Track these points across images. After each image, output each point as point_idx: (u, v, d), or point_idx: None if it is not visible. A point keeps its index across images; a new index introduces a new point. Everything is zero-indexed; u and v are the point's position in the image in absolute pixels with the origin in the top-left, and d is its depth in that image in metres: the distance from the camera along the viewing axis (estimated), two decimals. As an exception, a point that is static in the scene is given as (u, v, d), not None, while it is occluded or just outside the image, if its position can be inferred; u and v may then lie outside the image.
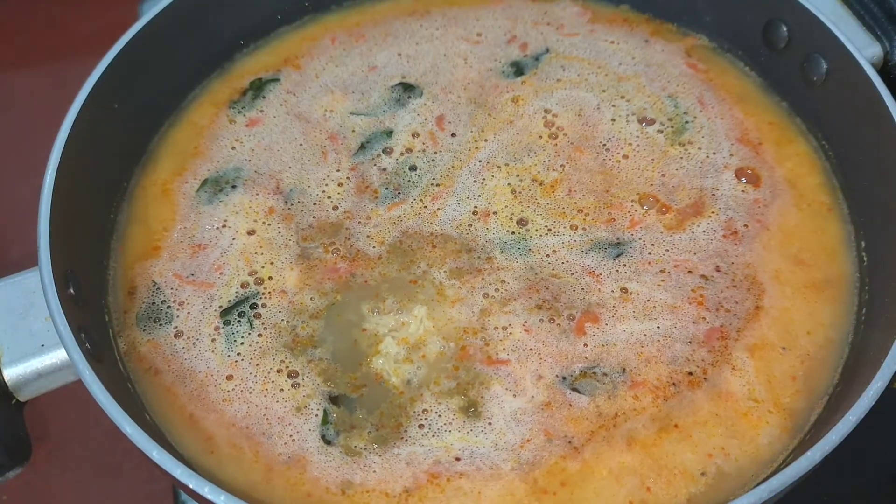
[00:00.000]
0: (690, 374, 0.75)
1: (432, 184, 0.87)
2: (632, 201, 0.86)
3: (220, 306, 0.80)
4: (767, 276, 0.81)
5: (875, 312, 0.78)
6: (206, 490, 0.62)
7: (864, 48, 0.89)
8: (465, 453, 0.71)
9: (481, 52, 0.99)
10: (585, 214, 0.85)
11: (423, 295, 0.80)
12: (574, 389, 0.74)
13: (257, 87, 0.96)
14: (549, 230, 0.83)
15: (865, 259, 0.83)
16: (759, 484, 0.65)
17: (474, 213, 0.85)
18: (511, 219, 0.84)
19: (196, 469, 0.69)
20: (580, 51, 0.99)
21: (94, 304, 0.80)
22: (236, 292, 0.81)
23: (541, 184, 0.87)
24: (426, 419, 0.73)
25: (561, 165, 0.88)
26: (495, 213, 0.85)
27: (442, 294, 0.80)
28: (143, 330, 0.79)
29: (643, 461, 0.71)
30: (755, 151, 0.90)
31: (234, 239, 0.84)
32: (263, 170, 0.89)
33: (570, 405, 0.73)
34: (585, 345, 0.76)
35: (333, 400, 0.75)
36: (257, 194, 0.87)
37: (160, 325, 0.80)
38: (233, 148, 0.91)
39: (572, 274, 0.80)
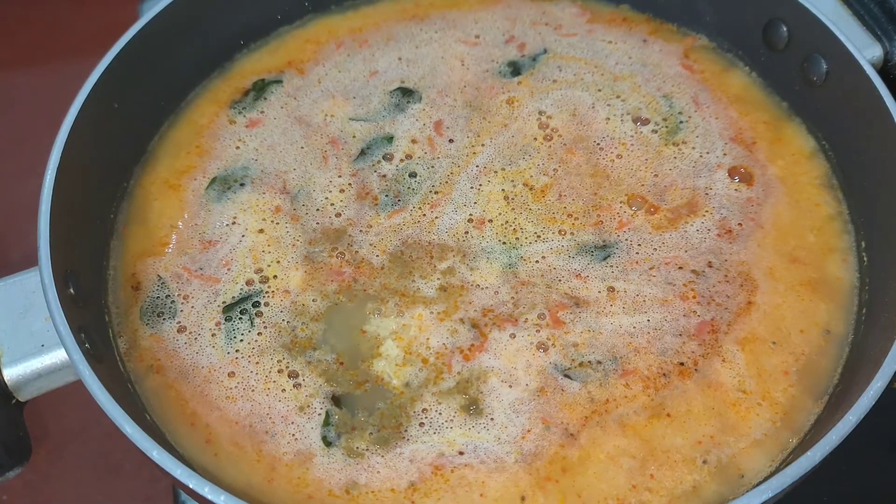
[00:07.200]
0: (681, 364, 0.76)
1: (431, 191, 0.87)
2: (620, 203, 0.86)
3: (224, 302, 0.80)
4: (761, 272, 0.81)
5: (875, 312, 0.78)
6: (206, 490, 0.62)
7: (864, 48, 0.89)
8: (469, 448, 0.72)
9: (478, 53, 0.99)
10: (575, 219, 0.85)
11: (422, 299, 0.80)
12: (566, 376, 0.75)
13: (259, 88, 0.97)
14: (539, 237, 0.84)
15: (866, 259, 0.83)
16: (759, 484, 0.65)
17: (469, 220, 0.85)
18: (504, 226, 0.85)
19: (196, 469, 0.69)
20: (577, 51, 0.99)
21: (94, 303, 0.80)
22: (241, 289, 0.81)
23: (531, 189, 0.87)
24: (426, 418, 0.73)
25: (553, 169, 0.88)
26: (490, 220, 0.85)
27: (440, 299, 0.80)
28: (147, 324, 0.80)
29: (640, 445, 0.72)
30: (749, 150, 0.90)
31: (243, 236, 0.84)
32: (269, 169, 0.89)
33: (563, 390, 0.74)
34: (568, 332, 0.77)
35: (336, 401, 0.75)
36: (264, 193, 0.87)
37: (164, 319, 0.80)
38: (237, 147, 0.92)
39: (560, 279, 0.81)
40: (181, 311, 0.80)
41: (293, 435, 0.73)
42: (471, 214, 0.86)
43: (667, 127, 0.92)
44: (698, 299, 0.80)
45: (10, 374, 0.72)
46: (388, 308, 0.80)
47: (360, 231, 0.85)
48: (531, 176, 0.88)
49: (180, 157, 0.92)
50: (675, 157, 0.89)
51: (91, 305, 0.79)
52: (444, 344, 0.77)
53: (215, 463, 0.73)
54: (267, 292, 0.81)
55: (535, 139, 0.91)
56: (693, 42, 1.00)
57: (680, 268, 0.82)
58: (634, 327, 0.78)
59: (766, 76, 0.96)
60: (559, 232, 0.84)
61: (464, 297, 0.80)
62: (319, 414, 0.74)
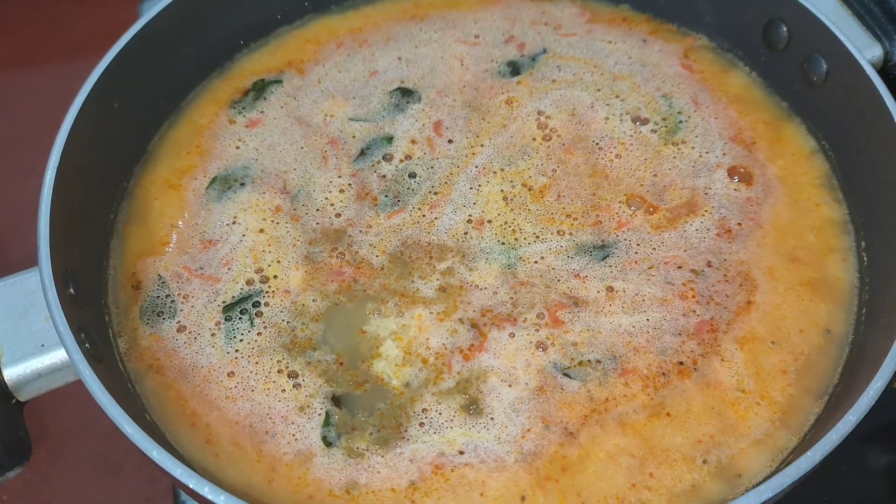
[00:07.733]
0: (681, 363, 0.76)
1: (430, 192, 0.87)
2: (619, 202, 0.86)
3: (224, 302, 0.80)
4: (761, 272, 0.81)
5: (875, 312, 0.78)
6: (206, 490, 0.62)
7: (864, 48, 0.89)
8: (469, 447, 0.72)
9: (478, 53, 0.99)
10: (574, 219, 0.85)
11: (422, 300, 0.80)
12: (565, 375, 0.75)
13: (260, 88, 0.97)
14: (538, 237, 0.84)
15: (866, 259, 0.83)
16: (759, 484, 0.65)
17: (469, 221, 0.85)
18: (503, 227, 0.85)
19: (196, 469, 0.69)
20: (577, 51, 0.99)
21: (94, 303, 0.80)
22: (241, 289, 0.81)
23: (530, 189, 0.87)
24: (426, 417, 0.73)
25: (552, 170, 0.88)
26: (489, 221, 0.85)
27: (439, 299, 0.80)
28: (147, 323, 0.80)
29: (639, 444, 0.72)
30: (748, 150, 0.90)
31: (244, 235, 0.85)
32: (270, 169, 0.89)
33: (562, 389, 0.75)
34: (567, 332, 0.77)
35: (336, 401, 0.75)
36: (264, 193, 0.87)
37: (164, 318, 0.80)
38: (237, 147, 0.92)
39: (558, 279, 0.81)
40: (181, 310, 0.80)
41: (293, 435, 0.73)
42: (470, 215, 0.86)
43: (666, 127, 0.92)
44: (697, 299, 0.80)
45: (10, 374, 0.72)
46: (388, 308, 0.80)
47: (360, 231, 0.85)
48: (530, 176, 0.88)
49: (180, 156, 0.92)
50: (674, 157, 0.89)
51: (91, 305, 0.79)
52: (443, 344, 0.77)
53: (215, 463, 0.73)
54: (267, 292, 0.81)
55: (534, 139, 0.91)
56: (693, 42, 1.00)
57: (679, 267, 0.82)
58: (633, 326, 0.78)
59: (766, 76, 0.96)
60: (558, 232, 0.84)
61: (463, 297, 0.80)
62: (319, 414, 0.74)
